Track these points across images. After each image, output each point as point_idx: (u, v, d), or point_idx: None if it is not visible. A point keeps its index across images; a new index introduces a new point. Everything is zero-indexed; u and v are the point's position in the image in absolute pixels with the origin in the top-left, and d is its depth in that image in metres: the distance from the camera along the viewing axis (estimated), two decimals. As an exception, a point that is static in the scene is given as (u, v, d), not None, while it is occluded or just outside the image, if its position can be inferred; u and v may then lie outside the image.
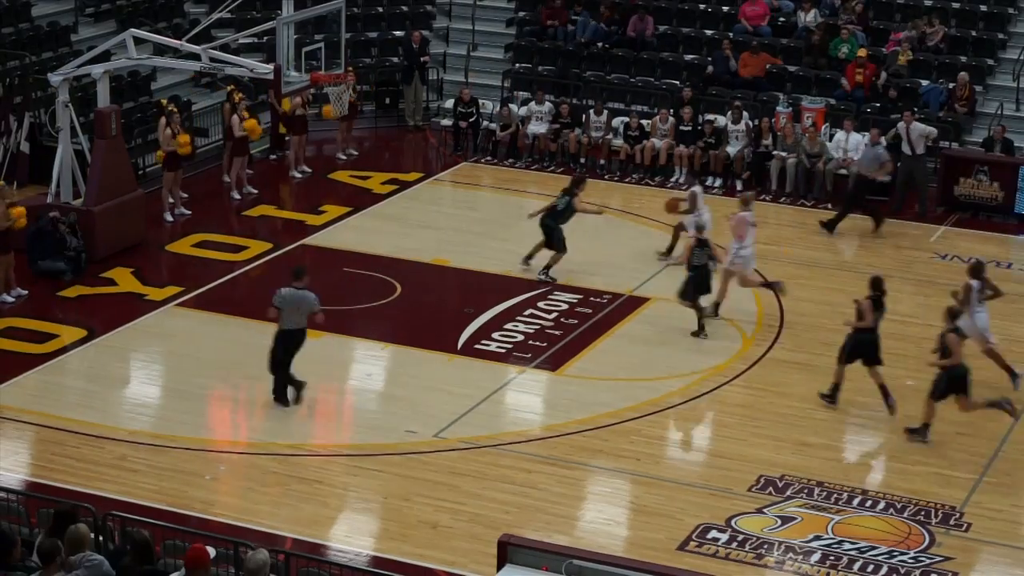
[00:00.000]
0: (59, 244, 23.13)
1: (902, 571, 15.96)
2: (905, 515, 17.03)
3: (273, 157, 29.21)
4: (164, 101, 27.25)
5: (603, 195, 27.10)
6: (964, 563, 16.16)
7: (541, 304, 22.54)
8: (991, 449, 18.60)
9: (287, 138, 28.65)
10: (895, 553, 16.28)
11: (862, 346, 19.40)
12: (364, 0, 33.33)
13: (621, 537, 16.65)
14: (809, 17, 31.27)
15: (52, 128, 25.39)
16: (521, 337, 21.43)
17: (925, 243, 25.71)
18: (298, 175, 28.34)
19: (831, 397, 19.52)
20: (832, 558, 16.16)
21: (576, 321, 22.07)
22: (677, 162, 28.53)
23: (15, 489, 15.58)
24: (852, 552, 16.28)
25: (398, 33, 32.84)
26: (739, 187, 27.90)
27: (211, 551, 12.30)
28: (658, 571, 12.76)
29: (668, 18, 32.34)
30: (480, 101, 30.09)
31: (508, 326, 21.74)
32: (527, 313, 22.23)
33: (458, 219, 26.10)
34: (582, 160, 29.03)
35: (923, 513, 17.07)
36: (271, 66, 23.28)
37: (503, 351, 21.04)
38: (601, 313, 22.33)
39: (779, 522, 16.83)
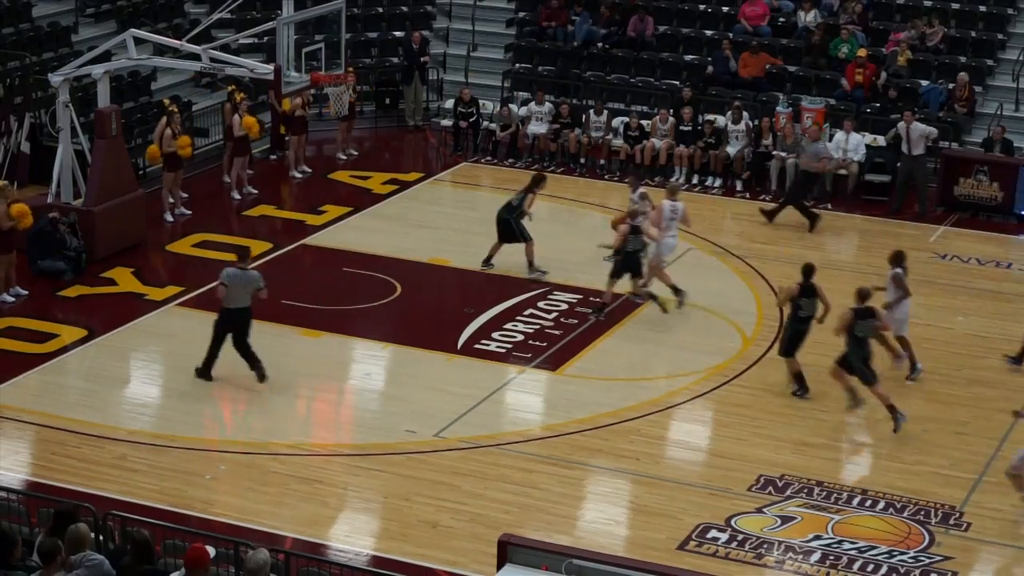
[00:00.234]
0: (59, 244, 23.13)
1: (902, 571, 15.97)
2: (905, 515, 17.04)
3: (273, 157, 29.22)
4: (166, 101, 27.27)
5: (603, 195, 27.13)
6: (964, 563, 16.16)
7: (541, 304, 22.55)
8: (991, 449, 18.60)
9: (287, 138, 28.65)
10: (895, 553, 16.28)
11: (801, 336, 19.54)
12: (364, 0, 33.34)
13: (621, 537, 16.66)
14: (809, 17, 31.28)
15: (52, 128, 25.40)
16: (521, 337, 21.44)
17: (925, 243, 25.72)
18: (298, 175, 28.35)
19: (800, 389, 19.56)
20: (832, 558, 16.16)
21: (576, 321, 22.08)
22: (677, 162, 28.54)
23: (15, 489, 15.58)
24: (852, 552, 16.28)
25: (398, 33, 32.86)
26: (739, 187, 27.94)
27: (211, 551, 12.31)
28: (658, 571, 12.75)
29: (668, 18, 32.35)
30: (480, 101, 30.10)
31: (508, 326, 21.75)
32: (527, 313, 22.24)
33: (458, 219, 26.10)
34: (582, 160, 29.05)
35: (923, 513, 17.08)
36: (271, 66, 23.28)
37: (503, 351, 21.04)
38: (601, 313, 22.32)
39: (779, 522, 16.83)
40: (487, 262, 23.66)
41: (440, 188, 28.39)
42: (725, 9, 32.06)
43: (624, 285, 22.10)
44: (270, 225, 26.11)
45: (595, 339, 21.51)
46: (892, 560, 16.15)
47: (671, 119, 28.83)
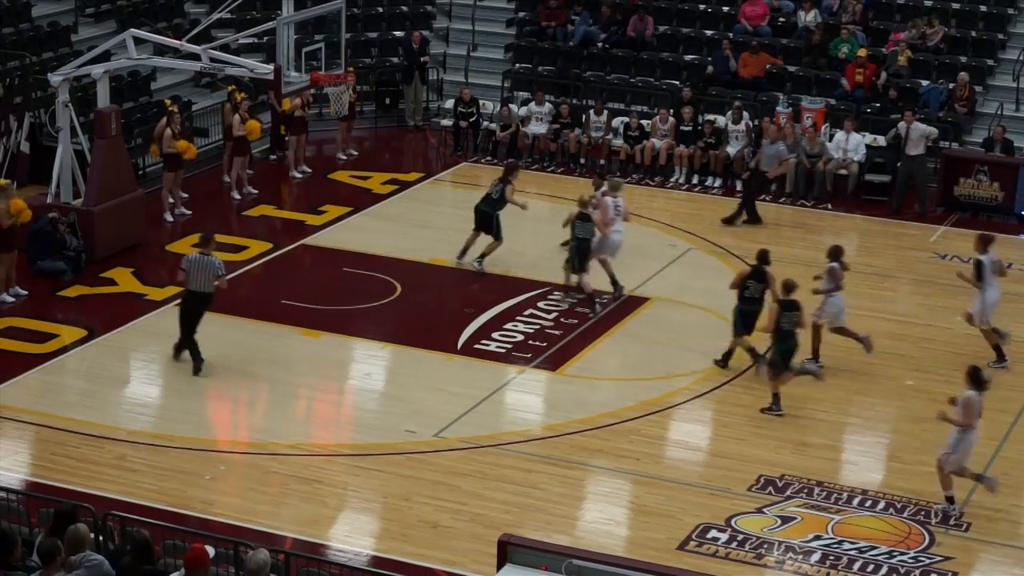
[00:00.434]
0: (59, 244, 23.13)
1: (902, 571, 15.96)
2: (905, 515, 17.03)
3: (273, 157, 29.22)
4: (167, 101, 27.28)
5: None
6: (964, 563, 16.16)
7: (541, 304, 22.54)
8: (991, 449, 18.59)
9: (287, 138, 28.65)
10: (895, 553, 16.28)
11: (787, 355, 19.48)
12: (364, 0, 33.34)
13: (621, 537, 16.65)
14: (809, 17, 31.28)
15: (52, 128, 25.39)
16: (521, 337, 21.44)
17: (925, 243, 25.72)
18: (298, 175, 28.35)
19: (771, 408, 19.51)
20: (832, 558, 16.16)
21: (576, 321, 22.08)
22: (677, 162, 28.54)
23: (15, 489, 15.58)
24: (852, 552, 16.28)
25: (398, 33, 32.86)
26: (739, 187, 27.92)
27: (210, 551, 12.30)
28: (658, 571, 12.76)
29: (668, 18, 32.35)
30: (480, 101, 30.10)
31: (508, 326, 21.75)
32: (527, 313, 22.24)
33: (458, 219, 26.05)
34: (582, 160, 29.04)
35: (923, 513, 17.07)
36: (271, 66, 23.28)
37: (503, 351, 21.04)
38: (601, 313, 22.32)
39: (779, 522, 16.83)
40: (463, 254, 23.71)
41: (440, 188, 28.39)
42: (725, 9, 32.06)
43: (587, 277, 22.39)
44: (270, 225, 26.11)
45: (595, 339, 21.51)
46: (892, 560, 16.15)
47: (671, 119, 28.83)
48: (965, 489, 17.58)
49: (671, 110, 29.08)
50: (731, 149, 28.37)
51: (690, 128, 28.68)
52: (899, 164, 27.11)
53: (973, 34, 30.75)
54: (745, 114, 28.43)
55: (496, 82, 31.56)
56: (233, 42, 28.29)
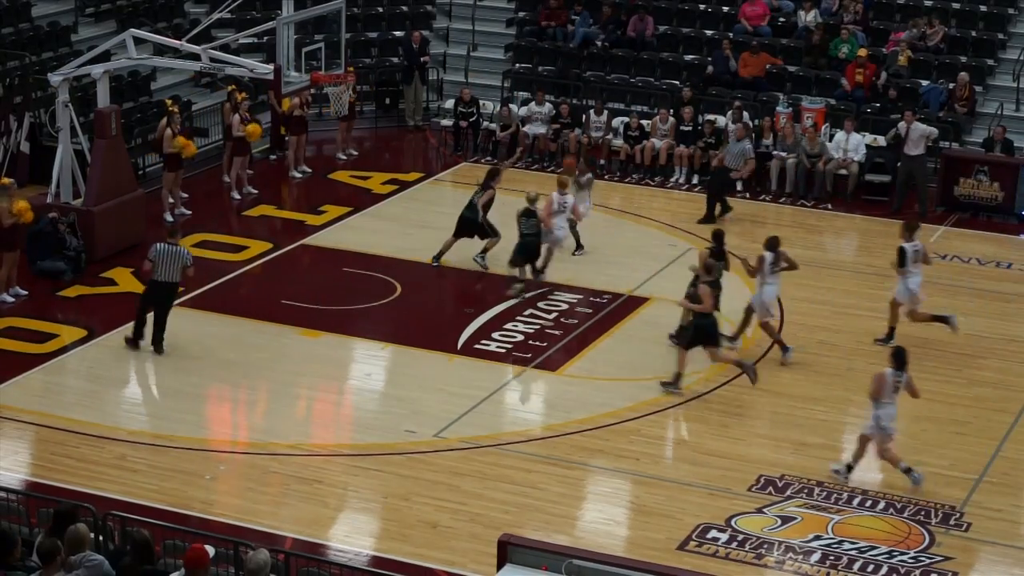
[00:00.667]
0: (59, 244, 23.14)
1: (902, 571, 15.96)
2: (905, 515, 17.03)
3: (273, 157, 29.22)
4: (168, 101, 27.29)
5: (603, 195, 27.10)
6: (964, 563, 16.16)
7: (541, 304, 22.54)
8: (991, 449, 18.60)
9: (287, 138, 28.65)
10: (895, 553, 16.28)
11: (701, 332, 19.78)
12: (364, 0, 33.34)
13: (621, 537, 16.65)
14: (809, 17, 31.28)
15: (52, 128, 25.40)
16: (521, 337, 21.44)
17: (925, 243, 25.67)
18: (298, 175, 28.35)
19: (674, 384, 19.83)
20: (832, 558, 16.16)
21: (576, 321, 22.08)
22: (677, 162, 28.54)
23: (15, 489, 15.57)
24: (852, 552, 16.28)
25: (398, 33, 32.86)
26: (739, 187, 27.92)
27: (210, 551, 12.30)
28: (658, 571, 12.76)
29: (668, 18, 32.36)
30: (480, 101, 30.11)
31: (508, 326, 21.74)
32: (527, 313, 22.24)
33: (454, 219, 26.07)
34: (581, 160, 29.01)
35: (923, 513, 17.07)
36: (271, 66, 23.28)
37: (503, 351, 21.04)
38: (601, 313, 22.33)
39: (779, 522, 16.83)
40: (438, 258, 23.83)
41: (440, 188, 28.38)
42: (725, 9, 32.06)
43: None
44: (270, 225, 26.11)
45: (595, 339, 21.51)
46: (892, 560, 16.15)
47: (671, 119, 28.83)
48: (964, 489, 17.60)
49: (671, 110, 29.08)
50: (731, 149, 28.35)
51: (690, 128, 28.68)
52: (899, 164, 27.10)
53: (973, 34, 30.75)
54: (745, 114, 28.42)
55: (496, 82, 31.56)
56: (233, 42, 28.30)
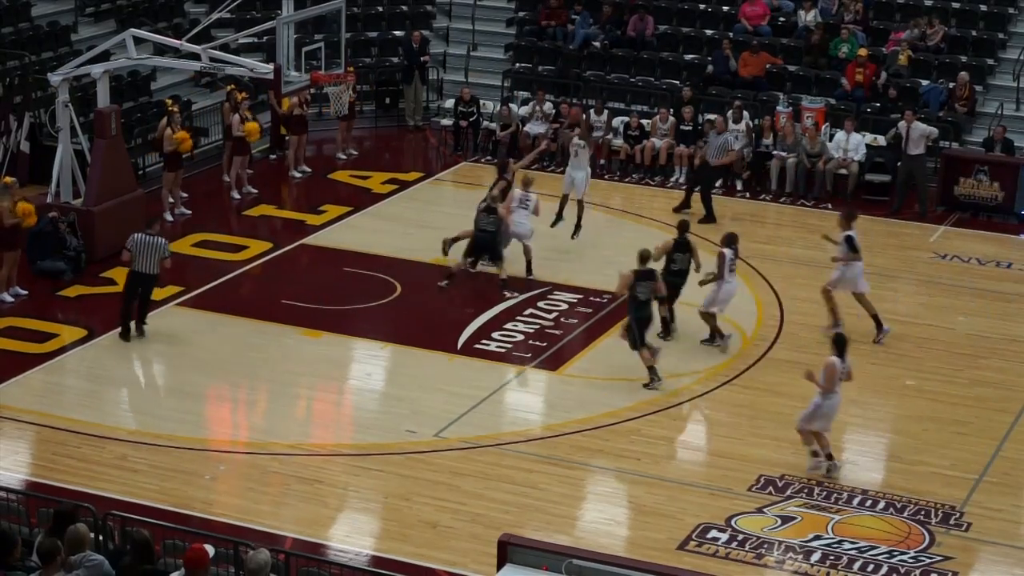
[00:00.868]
0: (59, 244, 23.14)
1: (902, 571, 15.96)
2: (905, 515, 17.03)
3: (273, 157, 29.22)
4: (168, 101, 27.30)
5: (603, 195, 27.12)
6: (964, 563, 16.16)
7: (541, 304, 22.54)
8: (991, 449, 18.60)
9: (287, 138, 28.65)
10: (895, 553, 16.28)
11: (641, 325, 20.01)
12: (364, 0, 33.34)
13: (621, 537, 16.66)
14: (809, 17, 31.27)
15: (52, 128, 25.40)
16: (521, 337, 21.43)
17: (925, 243, 25.71)
18: (298, 175, 28.35)
19: (652, 382, 19.95)
20: (832, 558, 16.16)
21: (576, 321, 22.08)
22: (677, 162, 28.54)
23: (15, 489, 15.57)
24: (852, 552, 16.28)
25: (398, 33, 32.86)
26: (739, 187, 27.94)
27: (210, 551, 12.30)
28: (658, 571, 12.76)
29: (668, 18, 32.35)
30: (480, 101, 30.11)
31: (508, 326, 21.74)
32: (527, 313, 22.24)
33: (458, 219, 26.02)
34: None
35: (923, 513, 17.07)
36: (271, 66, 23.28)
37: (503, 351, 21.04)
38: (601, 313, 22.33)
39: (779, 522, 16.83)
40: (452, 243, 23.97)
41: (440, 188, 28.39)
42: (725, 9, 32.06)
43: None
44: (270, 225, 26.11)
45: (595, 339, 21.51)
46: (892, 560, 16.15)
47: (671, 119, 28.83)
48: (964, 489, 17.59)
49: (671, 110, 29.07)
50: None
51: (690, 128, 28.67)
52: (899, 164, 27.09)
53: (973, 34, 30.75)
54: (745, 114, 28.42)
55: (496, 82, 31.56)
56: (233, 42, 28.30)
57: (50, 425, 18.65)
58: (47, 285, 22.85)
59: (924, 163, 27.05)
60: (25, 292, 22.43)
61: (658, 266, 20.60)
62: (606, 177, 28.54)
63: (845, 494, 17.43)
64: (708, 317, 21.05)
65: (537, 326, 21.80)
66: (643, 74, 31.24)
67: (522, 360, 20.78)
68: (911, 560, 16.15)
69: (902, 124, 26.80)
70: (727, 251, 20.96)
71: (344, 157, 29.47)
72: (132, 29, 24.79)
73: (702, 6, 32.35)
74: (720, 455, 18.39)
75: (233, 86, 27.64)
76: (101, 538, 13.94)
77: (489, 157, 29.47)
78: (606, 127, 29.23)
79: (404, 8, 33.61)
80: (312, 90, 26.19)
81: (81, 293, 22.79)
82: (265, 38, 28.21)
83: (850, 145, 27.65)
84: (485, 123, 29.97)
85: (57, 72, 24.47)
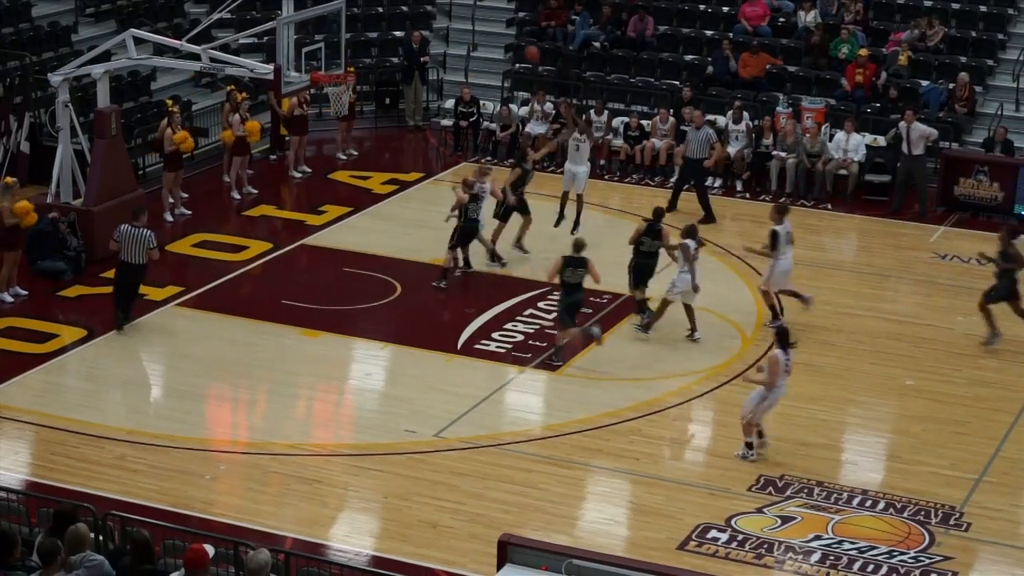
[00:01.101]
0: (59, 244, 23.14)
1: (902, 571, 15.96)
2: (905, 515, 17.03)
3: (273, 157, 29.23)
4: (169, 101, 27.30)
5: (603, 195, 27.13)
6: (964, 563, 16.16)
7: (541, 304, 22.54)
8: (991, 449, 18.60)
9: (287, 138, 28.66)
10: (895, 553, 16.28)
11: (570, 308, 20.59)
12: (364, 0, 33.35)
13: (621, 537, 16.66)
14: (809, 17, 31.28)
15: (52, 128, 25.40)
16: (521, 337, 21.44)
17: (925, 243, 25.72)
18: (298, 175, 28.35)
19: (645, 316, 20.82)
20: (832, 558, 16.16)
21: (576, 321, 22.05)
22: (677, 162, 28.51)
23: (15, 489, 15.57)
24: (852, 552, 16.28)
25: (398, 33, 32.86)
26: (739, 187, 27.95)
27: (210, 551, 12.30)
28: (658, 571, 12.76)
29: (668, 18, 32.36)
30: (480, 101, 30.11)
31: (508, 326, 21.74)
32: (527, 313, 22.24)
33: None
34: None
35: (923, 513, 17.07)
36: (271, 66, 23.28)
37: (503, 351, 21.04)
38: (601, 313, 22.33)
39: (779, 522, 16.83)
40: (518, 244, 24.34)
41: (440, 188, 28.35)
42: (725, 9, 32.07)
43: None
44: (270, 225, 26.11)
45: (595, 339, 21.49)
46: (892, 560, 16.15)
47: (671, 119, 28.83)
48: (964, 489, 17.59)
49: (671, 110, 29.08)
50: (731, 149, 28.35)
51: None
52: (898, 164, 27.09)
53: (973, 34, 30.75)
54: (745, 114, 28.43)
55: (496, 82, 31.56)
56: (233, 42, 28.31)
57: (50, 425, 18.66)
58: (47, 285, 22.86)
59: (924, 164, 27.06)
60: (25, 292, 22.43)
61: (630, 249, 21.64)
62: (606, 177, 28.55)
63: (845, 494, 17.43)
64: (665, 304, 21.42)
65: (537, 326, 21.81)
66: (643, 74, 31.24)
67: (522, 360, 20.78)
68: (911, 560, 16.16)
69: (902, 124, 26.81)
70: (690, 242, 21.11)
71: (344, 157, 29.47)
72: (132, 29, 24.80)
73: (702, 7, 32.35)
74: (720, 455, 18.39)
75: (233, 86, 27.64)
76: (101, 538, 13.94)
77: (489, 157, 29.49)
78: (606, 127, 29.23)
79: (404, 8, 33.61)
80: (312, 90, 26.21)
81: (81, 293, 22.79)
82: (265, 38, 28.22)
83: (850, 145, 27.66)
84: (485, 123, 29.97)
85: (57, 72, 24.47)
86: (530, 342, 21.27)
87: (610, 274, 22.86)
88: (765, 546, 16.34)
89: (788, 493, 17.43)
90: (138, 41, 24.30)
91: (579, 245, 20.61)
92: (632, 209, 27.00)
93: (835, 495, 17.42)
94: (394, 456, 18.06)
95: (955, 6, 31.40)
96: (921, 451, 18.53)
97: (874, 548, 16.35)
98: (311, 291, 22.99)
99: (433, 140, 31.03)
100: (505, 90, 31.16)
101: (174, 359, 21.02)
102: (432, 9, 33.87)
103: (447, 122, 30.70)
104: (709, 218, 25.88)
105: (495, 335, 21.46)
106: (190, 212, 26.04)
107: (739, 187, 28.00)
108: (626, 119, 29.36)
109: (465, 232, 23.12)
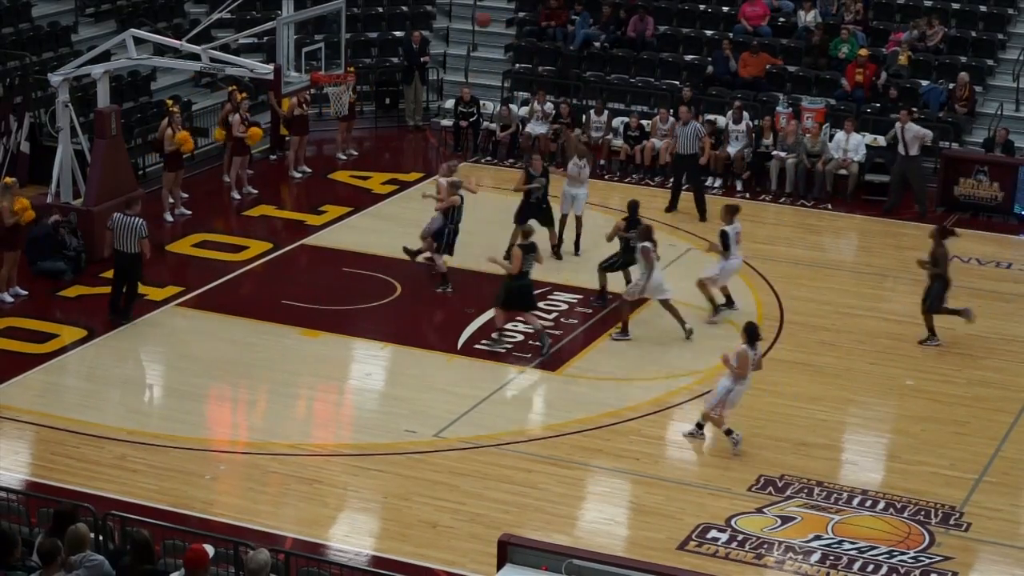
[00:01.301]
0: (59, 244, 23.14)
1: (902, 571, 15.96)
2: (905, 515, 17.03)
3: (273, 157, 29.22)
4: (169, 102, 27.31)
5: (603, 195, 27.11)
6: (964, 563, 16.16)
7: (541, 304, 22.52)
8: (991, 449, 18.61)
9: (287, 138, 28.66)
10: (895, 553, 16.28)
11: (513, 294, 20.81)
12: (364, 0, 33.34)
13: (621, 537, 16.66)
14: (809, 17, 31.28)
15: (52, 128, 25.40)
16: (521, 337, 21.43)
17: (925, 243, 25.64)
18: (298, 175, 28.35)
19: (495, 343, 21.06)
20: (832, 558, 16.16)
21: (576, 321, 22.08)
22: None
23: (15, 489, 15.57)
24: (852, 552, 16.28)
25: (398, 33, 32.86)
26: (739, 187, 27.95)
27: (210, 551, 12.30)
28: (658, 571, 12.77)
29: (668, 18, 32.36)
30: (480, 101, 30.11)
31: (508, 326, 21.72)
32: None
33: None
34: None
35: (923, 513, 17.07)
36: (271, 66, 23.29)
37: (503, 351, 21.04)
38: (601, 313, 22.33)
39: (779, 522, 16.83)
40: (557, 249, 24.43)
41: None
42: (725, 9, 32.07)
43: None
44: (270, 225, 26.11)
45: (595, 339, 21.51)
46: (892, 560, 16.15)
47: (671, 119, 28.82)
48: (964, 489, 17.60)
49: (671, 110, 29.07)
50: (731, 149, 28.35)
51: (690, 128, 28.67)
52: (893, 164, 27.05)
53: (973, 34, 30.75)
54: (745, 114, 28.43)
55: (496, 82, 31.56)
56: (233, 42, 28.31)
57: (50, 425, 18.66)
58: (47, 285, 22.86)
59: (919, 164, 27.02)
60: (25, 292, 22.43)
61: (611, 246, 22.19)
62: (606, 177, 28.54)
63: (845, 494, 17.43)
64: (664, 304, 21.55)
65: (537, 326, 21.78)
66: (643, 74, 31.24)
67: (522, 360, 20.78)
68: (911, 560, 16.16)
69: (898, 125, 26.78)
70: (647, 244, 21.20)
71: (344, 157, 29.47)
72: (132, 29, 24.80)
73: (702, 6, 32.35)
74: (720, 455, 18.39)
75: (235, 87, 27.65)
76: (101, 538, 13.94)
77: (489, 157, 29.49)
78: (606, 127, 29.23)
79: (404, 8, 33.61)
80: (312, 90, 26.21)
81: (81, 293, 22.79)
82: (265, 38, 28.22)
83: (850, 145, 27.65)
84: (485, 123, 29.97)
85: (57, 72, 24.47)
86: (530, 342, 21.27)
87: (609, 275, 22.89)
88: (765, 546, 16.34)
89: (788, 493, 17.43)
90: (138, 41, 24.31)
91: (527, 233, 21.33)
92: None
93: (835, 495, 17.42)
94: (394, 456, 18.06)
95: (955, 6, 31.40)
96: (921, 451, 18.53)
97: (874, 548, 16.35)
98: (311, 291, 22.99)
99: (433, 140, 31.03)
100: (505, 90, 31.16)
101: (174, 359, 21.02)
102: (432, 9, 33.87)
103: (447, 122, 30.70)
104: (701, 216, 25.94)
105: (495, 335, 21.44)
106: (190, 212, 26.04)
107: (739, 187, 28.00)
108: (626, 119, 29.36)
109: (452, 235, 22.97)
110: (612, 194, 27.64)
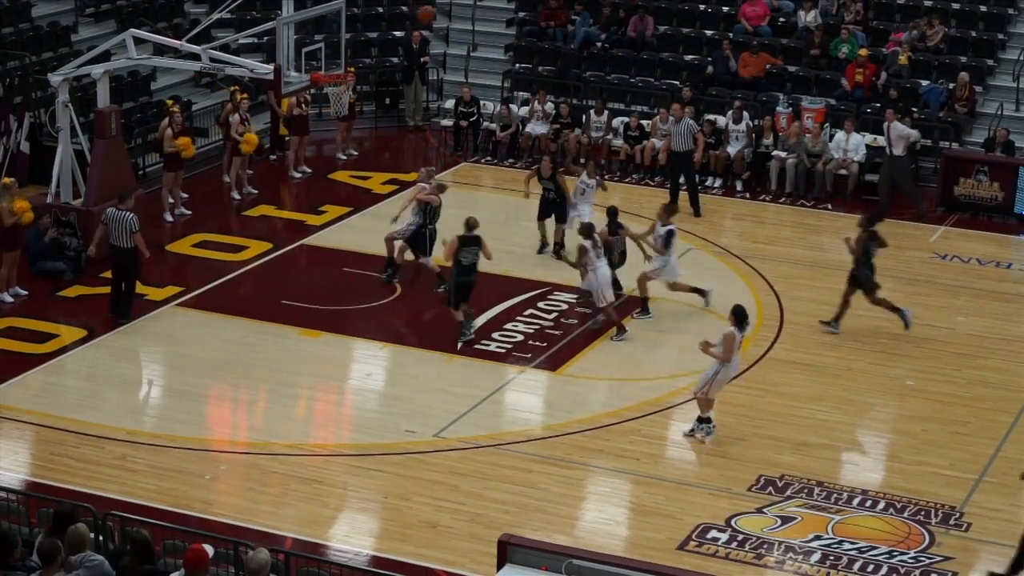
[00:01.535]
0: (59, 244, 23.14)
1: (902, 571, 15.96)
2: (905, 515, 17.03)
3: (273, 157, 29.22)
4: (169, 102, 27.30)
5: (603, 195, 27.06)
6: (964, 563, 16.16)
7: (541, 304, 22.54)
8: (991, 449, 18.60)
9: (287, 138, 28.66)
10: (895, 553, 16.28)
11: (462, 289, 20.90)
12: (364, 0, 33.34)
13: (621, 537, 16.66)
14: (809, 17, 31.28)
15: (52, 128, 25.40)
16: (521, 337, 21.44)
17: (925, 243, 25.72)
18: (298, 175, 28.35)
19: (463, 334, 21.02)
20: (832, 558, 16.16)
21: (576, 321, 22.08)
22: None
23: (15, 489, 15.57)
24: (852, 552, 16.28)
25: (398, 33, 32.86)
26: (739, 187, 27.95)
27: (210, 551, 12.30)
28: (658, 571, 12.77)
29: (668, 18, 32.35)
30: (480, 101, 30.11)
31: (508, 326, 21.74)
32: (527, 313, 22.24)
33: (458, 219, 26.04)
34: (582, 160, 29.01)
35: (923, 513, 17.07)
36: (271, 66, 23.29)
37: (503, 351, 21.04)
38: (601, 313, 22.30)
39: (779, 522, 16.83)
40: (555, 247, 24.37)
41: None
42: (725, 9, 32.05)
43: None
44: (270, 225, 26.11)
45: (595, 339, 21.51)
46: (892, 560, 16.15)
47: (671, 118, 28.78)
48: (964, 489, 17.59)
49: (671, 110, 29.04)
50: (731, 149, 28.36)
51: (690, 128, 28.67)
52: (881, 165, 27.04)
53: (973, 34, 30.75)
54: (745, 114, 28.43)
55: (496, 82, 31.56)
56: (233, 42, 28.30)
57: (50, 425, 18.66)
58: (47, 285, 22.85)
59: (905, 164, 26.93)
60: (25, 292, 22.43)
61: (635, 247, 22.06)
62: (606, 177, 28.48)
63: (845, 494, 17.43)
64: (610, 306, 21.59)
65: (537, 326, 21.81)
66: (643, 74, 31.24)
67: (522, 360, 20.77)
68: (911, 560, 16.16)
69: (885, 124, 26.74)
70: (586, 242, 21.23)
71: (344, 157, 29.47)
72: (132, 29, 24.80)
73: (702, 6, 32.35)
74: (720, 455, 18.39)
75: (236, 87, 27.64)
76: (101, 538, 13.94)
77: (489, 157, 29.49)
78: (606, 127, 29.23)
79: (404, 8, 33.60)
80: (312, 90, 26.21)
81: (81, 293, 22.78)
82: (265, 38, 28.22)
83: (850, 145, 27.65)
84: (485, 124, 29.97)
85: (57, 72, 24.47)
86: (530, 342, 21.28)
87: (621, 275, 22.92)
88: (765, 546, 16.34)
89: (788, 493, 17.43)
90: (138, 41, 24.31)
91: (472, 224, 20.94)
92: (632, 209, 26.98)
93: (835, 495, 17.42)
94: (394, 456, 18.06)
95: (955, 6, 31.39)
96: (921, 451, 18.53)
97: (874, 548, 16.35)
98: (311, 291, 22.99)
99: (433, 140, 31.03)
100: (505, 90, 31.16)
101: (174, 359, 21.02)
102: (432, 9, 33.83)
103: (447, 122, 30.70)
104: (695, 212, 25.95)
105: (495, 335, 21.45)
106: (190, 212, 26.04)
107: (739, 187, 28.00)
108: (626, 119, 29.36)
109: (431, 235, 22.82)
110: (612, 194, 27.55)
